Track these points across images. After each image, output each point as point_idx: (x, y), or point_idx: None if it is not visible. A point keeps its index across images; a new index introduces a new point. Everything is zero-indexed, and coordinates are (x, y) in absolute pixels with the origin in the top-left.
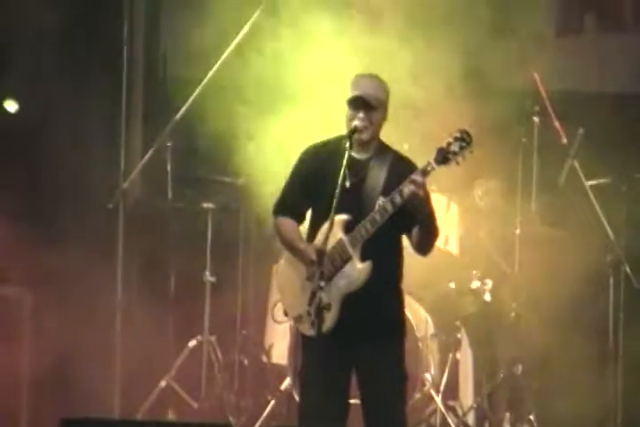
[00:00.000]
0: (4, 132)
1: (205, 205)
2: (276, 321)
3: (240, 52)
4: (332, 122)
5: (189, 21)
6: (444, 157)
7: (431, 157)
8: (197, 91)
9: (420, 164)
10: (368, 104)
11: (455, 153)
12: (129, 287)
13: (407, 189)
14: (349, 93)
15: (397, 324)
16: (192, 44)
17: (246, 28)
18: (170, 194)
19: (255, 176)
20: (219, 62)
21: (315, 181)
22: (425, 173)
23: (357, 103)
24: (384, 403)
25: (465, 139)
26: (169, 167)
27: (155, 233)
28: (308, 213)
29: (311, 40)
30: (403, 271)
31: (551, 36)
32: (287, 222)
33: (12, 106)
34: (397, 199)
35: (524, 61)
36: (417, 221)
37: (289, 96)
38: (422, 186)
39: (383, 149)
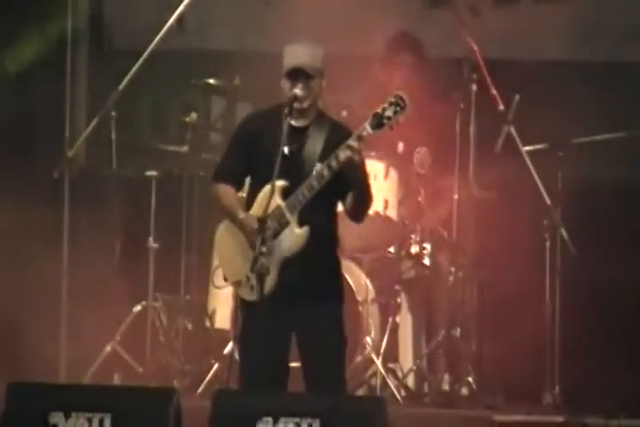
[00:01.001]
0: None
1: (149, 172)
2: (215, 286)
3: (181, 24)
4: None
5: None
6: (378, 121)
7: (366, 121)
8: (140, 62)
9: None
10: (306, 73)
11: (389, 117)
12: (75, 254)
13: (343, 153)
14: (285, 63)
15: (335, 287)
16: (135, 16)
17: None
18: (114, 162)
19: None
20: (160, 33)
21: (254, 149)
22: (360, 137)
23: (296, 73)
24: (324, 366)
25: (399, 103)
26: (113, 136)
27: (100, 201)
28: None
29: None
30: (338, 236)
31: (489, 5)
32: (226, 190)
33: None
34: (334, 164)
35: (462, 30)
36: (351, 186)
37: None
38: (358, 151)
39: (321, 117)
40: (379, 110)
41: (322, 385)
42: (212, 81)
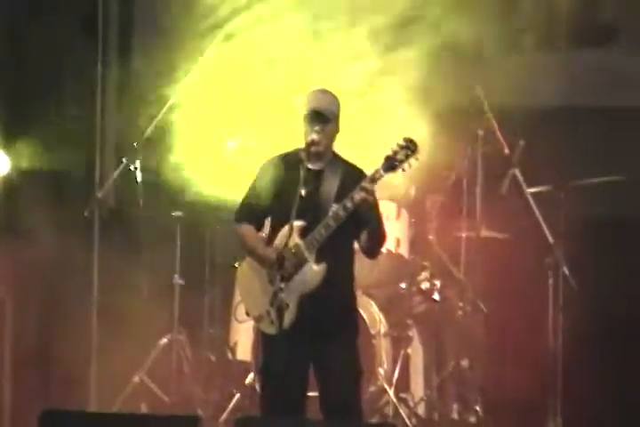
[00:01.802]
0: None
1: (174, 213)
2: (237, 321)
3: (204, 76)
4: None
5: (158, 44)
6: (391, 164)
7: (381, 165)
8: (164, 110)
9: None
10: (323, 118)
11: (402, 161)
12: (105, 288)
13: (358, 195)
14: (304, 108)
15: (351, 322)
16: (162, 65)
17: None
18: (141, 202)
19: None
20: (186, 80)
21: (273, 192)
22: (373, 180)
23: (313, 117)
24: (341, 397)
25: (410, 147)
26: (139, 178)
27: (128, 239)
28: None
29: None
30: (355, 273)
31: (494, 54)
32: (248, 229)
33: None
34: (349, 205)
35: (470, 79)
36: (366, 225)
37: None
38: (371, 192)
39: (336, 159)
40: (390, 153)
41: (339, 413)
42: None
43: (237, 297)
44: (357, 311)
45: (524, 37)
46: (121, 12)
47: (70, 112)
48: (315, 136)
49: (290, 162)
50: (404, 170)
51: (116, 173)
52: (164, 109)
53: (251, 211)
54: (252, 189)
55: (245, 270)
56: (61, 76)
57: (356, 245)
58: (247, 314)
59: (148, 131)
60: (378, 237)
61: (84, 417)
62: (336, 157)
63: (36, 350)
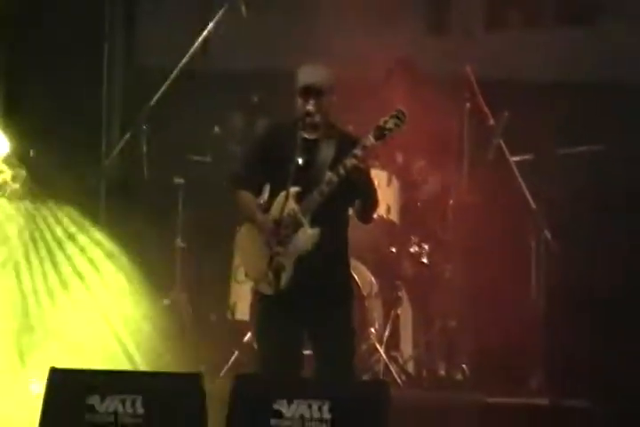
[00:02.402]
0: None
1: (176, 180)
2: (237, 282)
3: (205, 48)
4: None
5: (162, 20)
6: (380, 132)
7: (370, 132)
8: (169, 80)
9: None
10: (317, 90)
11: (390, 129)
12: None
13: (349, 161)
14: (298, 82)
15: (345, 284)
16: (165, 38)
17: (211, 25)
18: (145, 171)
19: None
20: (187, 55)
21: (271, 159)
22: (364, 147)
23: (308, 91)
24: (335, 354)
25: (399, 116)
26: (144, 148)
27: (132, 205)
28: None
29: None
30: (349, 237)
31: (481, 30)
32: (246, 195)
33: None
34: (341, 171)
35: (457, 54)
36: (359, 192)
37: None
38: (363, 159)
39: (331, 129)
40: (380, 123)
41: (333, 371)
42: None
43: (237, 260)
44: (351, 274)
45: (510, 14)
46: None
47: (76, 83)
48: (309, 108)
49: (286, 131)
50: (392, 138)
51: (121, 144)
52: (168, 81)
53: (247, 177)
54: (249, 156)
55: (244, 235)
56: (68, 47)
57: (350, 212)
58: (246, 275)
59: (154, 99)
60: (371, 203)
61: (90, 374)
62: (331, 126)
63: (39, 312)
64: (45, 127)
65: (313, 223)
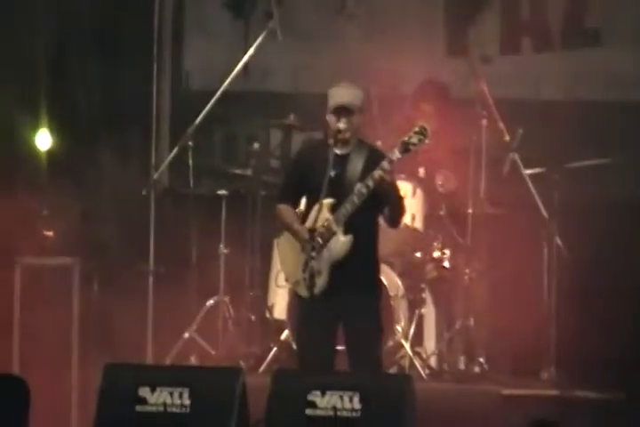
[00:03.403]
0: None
1: (220, 191)
2: (278, 286)
3: (246, 70)
4: None
5: (207, 45)
6: (405, 147)
7: (396, 147)
8: (213, 100)
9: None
10: (347, 110)
11: (414, 144)
12: (159, 257)
13: (377, 174)
14: (330, 102)
15: (375, 286)
16: (209, 63)
17: (251, 50)
18: (191, 183)
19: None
20: (229, 77)
21: (306, 174)
22: (391, 161)
23: (340, 110)
24: (365, 350)
25: (423, 132)
26: (190, 162)
27: (179, 214)
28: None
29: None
30: (378, 243)
31: (496, 53)
32: (286, 208)
33: (42, 132)
34: (370, 183)
35: (475, 75)
36: (387, 202)
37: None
38: (389, 172)
39: (360, 144)
40: (405, 138)
41: (362, 365)
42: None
43: (276, 266)
44: (379, 277)
45: (522, 40)
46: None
47: (128, 104)
48: (341, 125)
49: (320, 148)
50: (416, 151)
51: (169, 158)
52: (212, 101)
53: (287, 192)
54: (288, 173)
55: (283, 243)
56: (122, 66)
57: (379, 219)
58: (286, 280)
59: (200, 117)
60: (397, 210)
61: (141, 369)
62: (361, 142)
63: (99, 313)
64: (98, 141)
65: (345, 231)
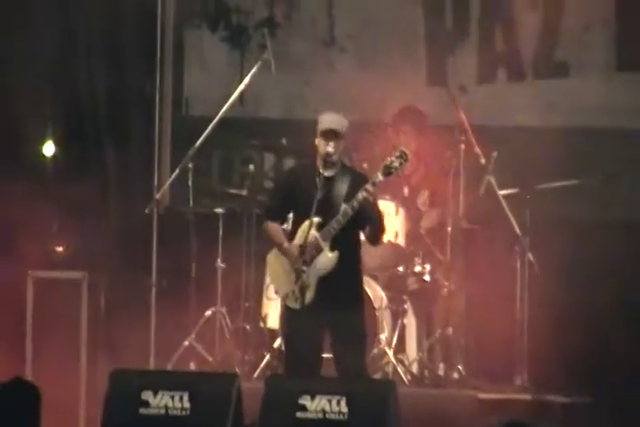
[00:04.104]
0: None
1: (217, 210)
2: (268, 298)
3: (241, 98)
4: None
5: (205, 75)
6: (387, 170)
7: (378, 171)
8: (211, 125)
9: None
10: (336, 135)
11: (396, 168)
12: (161, 271)
13: (361, 195)
14: (320, 127)
15: (359, 297)
16: (207, 91)
17: (247, 80)
18: (191, 202)
19: (254, 188)
20: (226, 105)
21: (294, 194)
22: (374, 183)
23: (329, 134)
24: (351, 356)
25: (403, 156)
26: (190, 182)
27: (180, 231)
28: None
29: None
30: (362, 258)
31: (473, 83)
32: (273, 226)
33: (49, 150)
34: (355, 204)
35: (453, 103)
36: (369, 221)
37: None
38: (372, 193)
39: (345, 167)
40: (387, 162)
41: (350, 372)
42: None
43: (267, 279)
44: (364, 289)
45: (497, 70)
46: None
47: (133, 127)
48: (330, 149)
49: (306, 170)
50: (398, 175)
51: (170, 179)
52: (210, 126)
53: (275, 211)
54: (276, 192)
55: (273, 259)
56: (127, 92)
57: (362, 236)
58: (276, 293)
59: (199, 141)
60: (378, 228)
61: (144, 374)
62: (344, 165)
63: (106, 322)
64: (105, 162)
65: (331, 248)
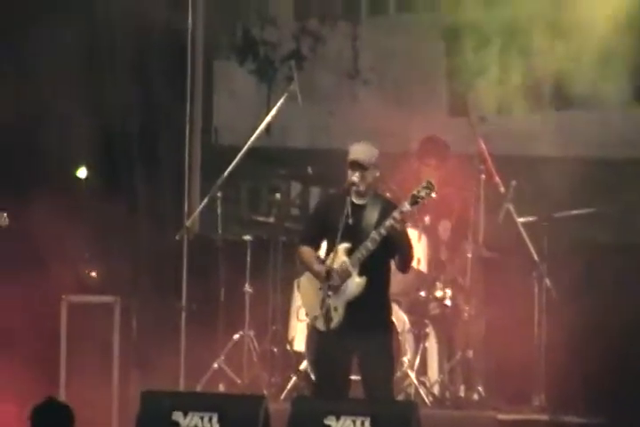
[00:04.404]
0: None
1: (245, 237)
2: (299, 320)
3: (268, 129)
4: None
5: (234, 105)
6: (414, 200)
7: (406, 200)
8: (239, 156)
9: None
10: (361, 166)
11: (423, 197)
12: (191, 295)
13: (389, 223)
14: (349, 157)
15: (386, 323)
16: (235, 121)
17: (274, 111)
18: (220, 229)
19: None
20: (254, 135)
21: (327, 221)
22: (401, 212)
23: (354, 165)
24: (380, 378)
25: (429, 187)
26: (219, 210)
27: (209, 257)
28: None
29: None
30: (390, 284)
31: (493, 115)
32: (307, 250)
33: (82, 173)
34: (382, 231)
35: (474, 133)
36: (397, 248)
37: None
38: (400, 221)
39: (376, 196)
40: (415, 192)
41: (379, 394)
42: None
43: (297, 302)
44: (391, 313)
45: (515, 101)
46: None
47: (162, 152)
48: (355, 179)
49: (339, 198)
50: (424, 203)
51: (200, 207)
52: (239, 156)
53: (308, 236)
54: (311, 219)
55: (304, 281)
56: (155, 121)
57: (392, 263)
58: (306, 315)
59: (228, 170)
60: (406, 256)
61: (175, 395)
62: (376, 194)
63: (138, 345)
64: (137, 192)
65: (360, 273)
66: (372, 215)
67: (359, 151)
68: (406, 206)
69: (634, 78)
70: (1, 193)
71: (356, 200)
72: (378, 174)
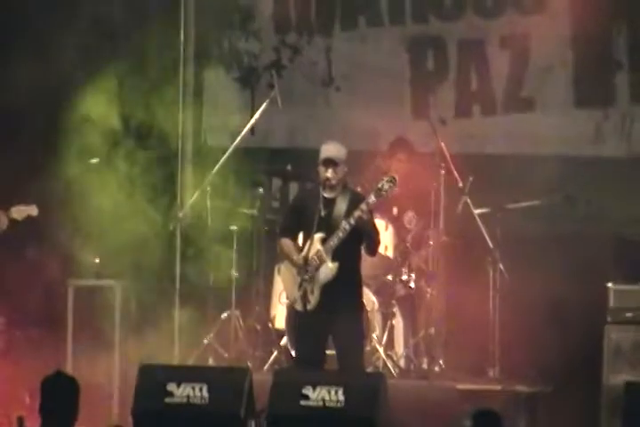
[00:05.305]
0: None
1: (231, 227)
2: (280, 303)
3: (252, 129)
4: None
5: (221, 109)
6: (378, 193)
7: (372, 193)
8: (226, 155)
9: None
10: (333, 162)
11: (386, 191)
12: (184, 279)
13: (357, 214)
14: (321, 155)
15: (358, 302)
16: (222, 123)
17: (257, 114)
18: (209, 221)
19: (263, 208)
20: (239, 136)
21: (302, 215)
22: (367, 204)
23: (327, 162)
24: (352, 353)
25: (392, 181)
26: (208, 204)
27: (199, 245)
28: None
29: None
30: (360, 269)
31: (451, 117)
32: (287, 242)
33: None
34: (351, 221)
35: (435, 134)
36: (365, 236)
37: None
38: (366, 212)
39: (345, 189)
40: (379, 185)
41: (351, 366)
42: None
43: (278, 285)
44: (362, 294)
45: (472, 106)
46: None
47: (155, 149)
48: (328, 175)
49: (312, 193)
50: (387, 196)
51: (192, 199)
52: (226, 155)
53: (287, 227)
54: (288, 212)
55: (284, 268)
56: (150, 125)
57: (362, 249)
58: (287, 298)
59: (216, 167)
60: (374, 242)
61: (169, 368)
62: (345, 187)
63: (136, 324)
64: (134, 190)
65: (333, 259)
66: (341, 207)
67: (330, 149)
68: (372, 198)
69: (573, 85)
70: None
71: (327, 194)
72: (346, 170)
